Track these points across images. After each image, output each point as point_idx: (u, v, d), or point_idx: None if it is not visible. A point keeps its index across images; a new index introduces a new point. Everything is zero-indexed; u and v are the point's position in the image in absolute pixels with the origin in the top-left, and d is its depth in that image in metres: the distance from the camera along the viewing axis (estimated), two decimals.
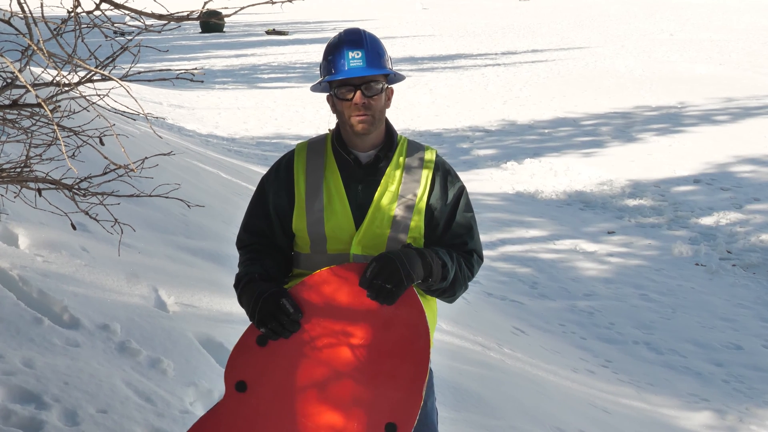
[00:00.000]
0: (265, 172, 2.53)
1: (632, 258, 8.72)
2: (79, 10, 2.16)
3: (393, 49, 27.06)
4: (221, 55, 25.80)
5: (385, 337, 2.24)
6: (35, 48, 1.86)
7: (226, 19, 35.83)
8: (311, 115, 16.19)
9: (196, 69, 2.19)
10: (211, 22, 31.89)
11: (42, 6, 2.25)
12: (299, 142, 2.54)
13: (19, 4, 2.20)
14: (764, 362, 6.42)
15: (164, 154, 3.07)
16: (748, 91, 17.88)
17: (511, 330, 6.46)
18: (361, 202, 2.38)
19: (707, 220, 9.83)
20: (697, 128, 14.53)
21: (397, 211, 2.37)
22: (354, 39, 2.36)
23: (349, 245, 2.37)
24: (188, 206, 3.05)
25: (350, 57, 2.33)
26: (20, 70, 2.32)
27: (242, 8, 2.20)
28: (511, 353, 5.68)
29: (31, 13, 2.19)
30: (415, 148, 2.46)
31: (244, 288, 2.34)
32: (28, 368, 3.27)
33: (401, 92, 18.74)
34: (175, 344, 3.85)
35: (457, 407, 4.16)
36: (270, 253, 2.45)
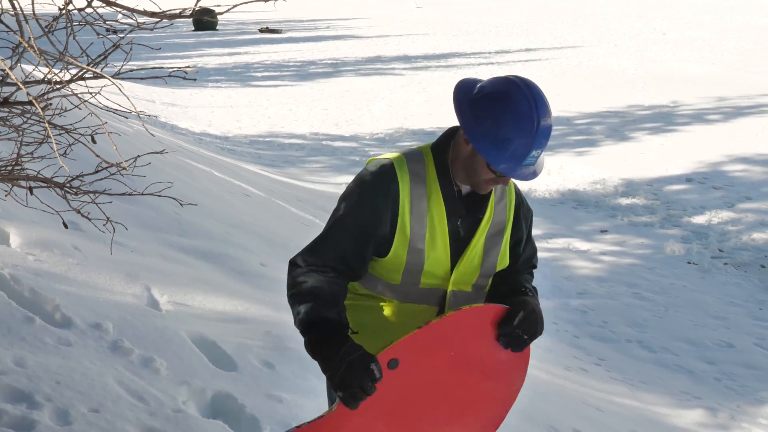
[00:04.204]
0: (353, 188, 2.27)
1: (625, 257, 8.73)
2: (70, 7, 2.15)
3: (386, 48, 27.06)
4: (214, 53, 25.74)
5: (484, 385, 2.24)
6: (26, 45, 1.85)
7: (219, 17, 35.78)
8: (305, 114, 16.17)
9: (188, 67, 2.19)
10: (204, 20, 31.84)
11: (33, 3, 2.23)
12: (393, 158, 2.27)
13: (10, 1, 2.19)
14: (755, 360, 6.44)
15: (157, 153, 3.06)
16: (740, 91, 17.92)
17: None
18: (459, 237, 2.29)
19: (699, 219, 9.85)
20: (690, 127, 14.56)
21: (489, 243, 2.34)
22: (546, 137, 2.19)
23: (441, 281, 2.31)
24: (181, 205, 3.04)
25: (532, 156, 2.16)
26: (11, 68, 2.30)
27: (235, 6, 2.19)
28: None
29: (22, 10, 2.18)
30: None
31: (324, 340, 2.12)
32: (20, 367, 3.26)
33: (395, 91, 18.74)
34: (167, 343, 3.84)
35: None
36: (340, 282, 2.25)
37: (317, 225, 8.13)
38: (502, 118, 2.13)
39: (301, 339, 4.49)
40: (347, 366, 2.04)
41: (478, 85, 2.23)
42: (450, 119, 15.82)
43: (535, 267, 2.54)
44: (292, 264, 2.28)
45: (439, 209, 2.25)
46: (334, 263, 2.23)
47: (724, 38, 29.25)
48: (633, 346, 6.64)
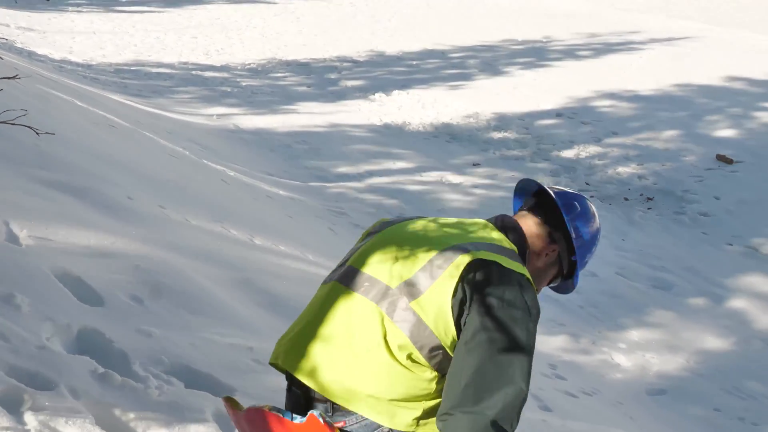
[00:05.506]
0: (524, 314, 2.16)
1: (496, 190, 8.94)
2: None
3: None
4: None
5: None
6: None
7: None
8: (173, 42, 15.55)
9: None
10: None
11: None
12: (527, 274, 2.13)
13: None
14: (617, 289, 6.78)
15: (9, 78, 2.83)
16: (611, 27, 18.45)
17: None
18: None
19: (568, 153, 10.18)
20: (561, 63, 14.93)
21: None
22: None
23: None
24: (37, 133, 2.84)
25: None
26: None
27: None
28: None
29: None
30: None
31: None
32: None
33: (268, 20, 18.26)
34: (29, 279, 3.64)
35: None
36: None
37: (187, 158, 7.87)
38: (596, 239, 2.32)
39: (172, 272, 4.34)
40: None
41: (573, 201, 2.28)
42: (324, 50, 15.33)
43: None
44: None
45: None
46: None
47: None
48: None
